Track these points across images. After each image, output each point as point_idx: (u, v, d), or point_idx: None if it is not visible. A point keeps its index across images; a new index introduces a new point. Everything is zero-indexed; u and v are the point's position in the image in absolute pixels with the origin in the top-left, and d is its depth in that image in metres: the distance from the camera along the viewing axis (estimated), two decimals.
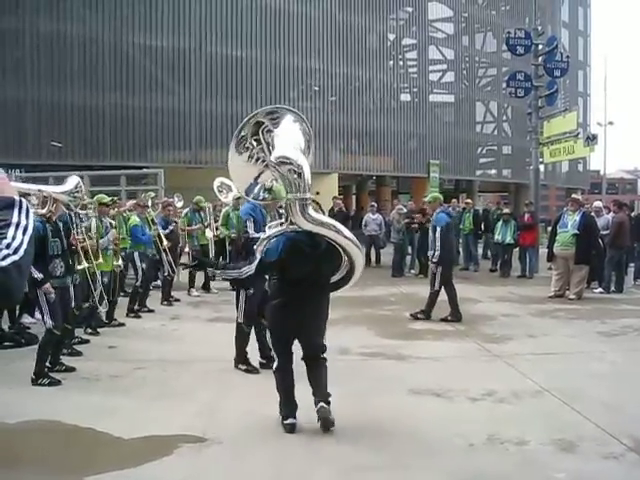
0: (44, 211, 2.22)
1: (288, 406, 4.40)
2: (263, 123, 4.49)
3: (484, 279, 13.24)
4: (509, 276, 13.64)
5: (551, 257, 11.16)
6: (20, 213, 1.55)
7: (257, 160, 4.60)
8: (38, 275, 5.33)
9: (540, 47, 14.98)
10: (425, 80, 31.62)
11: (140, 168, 17.66)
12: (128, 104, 22.23)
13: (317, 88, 27.02)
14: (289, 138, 4.42)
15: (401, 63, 31.15)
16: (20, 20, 20.91)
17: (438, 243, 8.33)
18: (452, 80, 33.29)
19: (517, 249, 13.96)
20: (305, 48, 26.02)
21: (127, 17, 22.34)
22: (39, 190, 2.07)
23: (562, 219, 10.93)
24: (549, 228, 14.19)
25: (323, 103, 27.06)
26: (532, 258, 13.81)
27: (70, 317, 5.99)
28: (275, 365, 4.53)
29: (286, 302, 4.37)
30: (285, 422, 4.34)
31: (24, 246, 1.48)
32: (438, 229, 8.39)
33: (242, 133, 4.53)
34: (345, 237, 4.36)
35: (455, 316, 8.40)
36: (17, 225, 1.52)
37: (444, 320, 8.33)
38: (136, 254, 8.61)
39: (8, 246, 1.45)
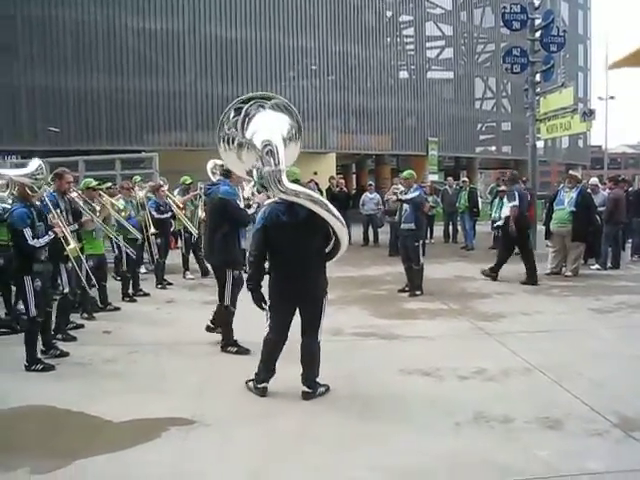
0: (5, 194, 2.27)
1: (265, 372, 4.72)
2: (240, 109, 4.73)
3: (483, 257, 13.20)
4: None
5: (548, 234, 11.14)
6: None
7: (237, 144, 4.80)
8: (38, 241, 5.42)
9: (537, 22, 14.79)
10: (423, 57, 31.34)
11: (137, 152, 17.60)
12: (123, 87, 22.10)
13: (315, 67, 26.81)
14: (262, 120, 4.69)
15: (398, 40, 30.84)
16: (11, 5, 20.71)
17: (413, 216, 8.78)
18: (450, 56, 32.99)
19: None
20: (301, 27, 25.75)
21: (120, 0, 22.11)
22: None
23: (559, 196, 10.89)
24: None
25: (321, 82, 26.86)
26: (529, 235, 13.77)
27: (50, 300, 5.99)
28: (267, 334, 4.72)
29: (278, 274, 4.64)
30: (258, 386, 4.70)
31: None
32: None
33: (224, 126, 4.82)
34: (322, 208, 4.50)
35: (420, 288, 8.83)
36: None
37: (402, 291, 8.95)
38: (120, 238, 8.55)
39: None
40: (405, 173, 9.51)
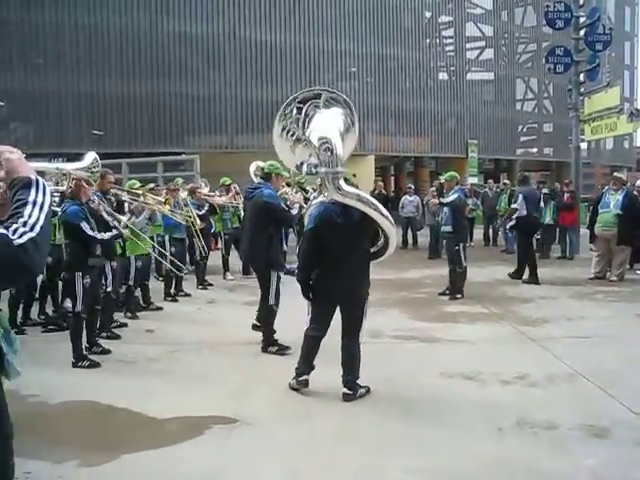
0: (64, 188, 2.35)
1: (305, 366, 4.82)
2: (303, 104, 4.84)
3: None
4: (549, 257, 13.38)
5: (592, 238, 10.90)
6: (37, 192, 1.62)
7: (294, 138, 4.91)
8: (102, 234, 5.66)
9: (581, 20, 14.48)
10: (462, 58, 31.00)
11: (178, 154, 17.91)
12: (164, 91, 22.51)
13: (354, 69, 26.79)
14: (325, 118, 4.77)
15: (438, 41, 30.59)
16: (60, 14, 21.34)
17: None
18: (491, 57, 32.55)
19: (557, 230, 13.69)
20: (340, 30, 25.77)
21: (162, 6, 22.53)
22: (57, 168, 2.14)
23: (604, 199, 10.64)
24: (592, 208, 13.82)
25: (359, 84, 26.84)
26: (572, 239, 13.52)
27: (99, 298, 6.15)
28: (307, 329, 4.86)
29: (324, 271, 4.73)
30: (299, 379, 4.79)
31: (40, 223, 1.55)
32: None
33: (285, 112, 4.91)
34: (372, 208, 4.57)
35: (461, 292, 8.73)
36: (34, 203, 1.59)
37: (443, 294, 8.84)
38: (167, 237, 8.72)
39: (25, 224, 1.52)
40: (446, 175, 9.48)
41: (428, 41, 29.85)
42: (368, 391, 4.74)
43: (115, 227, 6.06)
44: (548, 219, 13.43)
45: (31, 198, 1.60)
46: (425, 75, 29.49)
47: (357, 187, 4.80)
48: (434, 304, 8.42)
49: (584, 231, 14.50)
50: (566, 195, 13.61)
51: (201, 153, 15.01)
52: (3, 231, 1.48)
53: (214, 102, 23.17)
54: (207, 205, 10.01)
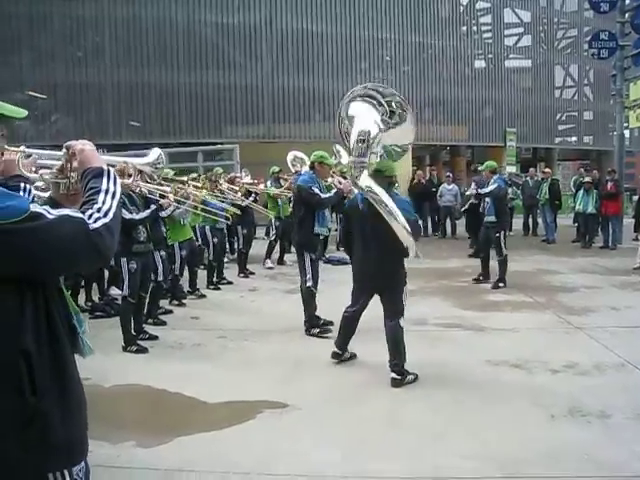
0: (129, 181, 2.40)
1: (340, 340, 5.25)
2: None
3: (565, 250, 12.81)
4: (591, 247, 13.14)
5: (637, 227, 10.66)
6: (109, 181, 1.70)
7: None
8: (139, 214, 5.77)
9: (627, 2, 14.08)
10: (500, 45, 30.43)
11: (215, 144, 18.07)
12: (202, 82, 22.68)
13: (388, 58, 26.58)
14: (368, 114, 4.91)
15: (475, 29, 30.08)
16: (99, 7, 21.65)
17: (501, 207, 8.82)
18: (529, 44, 31.86)
19: (600, 219, 13.41)
20: (376, 18, 25.56)
21: None
22: (124, 162, 2.21)
23: None
24: (634, 197, 13.54)
25: (395, 73, 26.60)
26: (615, 228, 13.24)
27: (147, 286, 6.24)
28: (347, 307, 5.16)
29: (357, 255, 5.05)
30: (334, 350, 5.22)
31: (113, 209, 1.63)
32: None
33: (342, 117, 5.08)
34: (385, 212, 4.61)
35: (504, 281, 8.67)
36: (106, 191, 1.66)
37: (477, 281, 8.99)
38: (207, 228, 8.76)
39: (99, 210, 1.59)
40: (484, 165, 9.40)
41: (465, 28, 29.38)
42: (416, 378, 4.75)
43: (152, 202, 6.10)
44: (590, 208, 13.18)
45: (103, 186, 1.67)
46: (462, 63, 29.05)
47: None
48: (476, 293, 8.36)
49: (627, 221, 14.22)
50: (609, 184, 13.32)
51: (238, 143, 15.13)
52: (80, 215, 1.54)
53: (252, 92, 23.26)
54: (253, 195, 10.07)
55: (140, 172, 3.25)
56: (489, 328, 6.39)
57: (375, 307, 5.02)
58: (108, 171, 1.72)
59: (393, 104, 4.95)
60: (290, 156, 10.61)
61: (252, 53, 23.31)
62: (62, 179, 1.87)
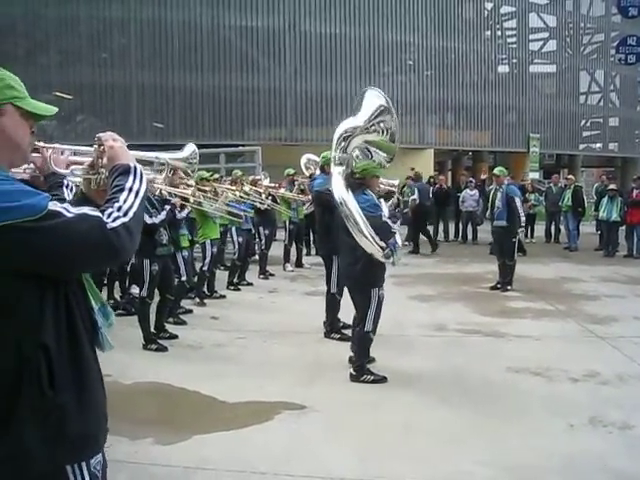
0: (162, 176, 2.30)
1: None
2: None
3: (587, 258, 12.65)
4: (614, 256, 12.95)
5: None
6: (134, 179, 1.68)
7: None
8: (156, 218, 5.80)
9: None
10: (525, 50, 30.16)
11: (237, 146, 18.15)
12: (225, 84, 22.82)
13: (411, 62, 26.50)
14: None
15: (499, 33, 29.86)
16: (125, 9, 21.92)
17: (521, 212, 8.86)
18: (554, 49, 31.53)
19: (624, 227, 13.21)
20: (399, 22, 25.51)
21: (223, 0, 22.85)
22: (156, 157, 2.17)
23: None
24: None
25: (418, 77, 26.52)
26: None
27: (171, 287, 6.30)
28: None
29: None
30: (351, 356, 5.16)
31: (134, 209, 1.60)
32: (517, 199, 8.84)
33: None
34: (360, 233, 4.71)
35: (510, 284, 8.84)
36: (130, 189, 1.64)
37: (495, 288, 8.90)
38: (233, 229, 8.84)
39: (119, 209, 1.57)
40: (497, 170, 9.44)
41: (489, 33, 29.17)
42: (376, 381, 4.82)
43: (167, 202, 6.12)
44: (614, 216, 12.99)
45: (128, 184, 1.65)
46: (486, 68, 28.86)
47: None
48: (496, 299, 8.29)
49: None
50: (635, 192, 13.10)
51: (261, 145, 15.15)
52: (98, 214, 1.53)
53: (274, 95, 23.35)
54: (270, 198, 10.09)
55: (174, 169, 3.22)
56: (510, 335, 6.34)
57: (392, 313, 5.01)
58: (135, 168, 1.71)
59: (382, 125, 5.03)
60: (304, 159, 10.59)
61: (275, 56, 23.40)
62: (93, 175, 1.87)
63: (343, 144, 4.88)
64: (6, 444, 1.47)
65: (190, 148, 2.68)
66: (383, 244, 4.76)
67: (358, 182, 4.91)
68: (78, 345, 1.58)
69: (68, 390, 1.54)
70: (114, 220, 1.53)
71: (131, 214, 1.57)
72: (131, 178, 1.67)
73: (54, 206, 1.46)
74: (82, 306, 1.63)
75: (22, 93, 1.63)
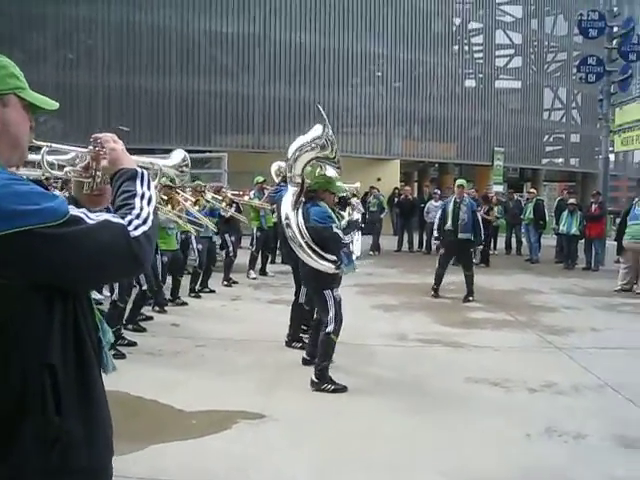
0: (155, 182, 2.08)
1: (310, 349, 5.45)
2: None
3: (547, 270, 12.92)
4: (574, 268, 13.26)
5: (620, 250, 10.78)
6: (142, 184, 1.56)
7: None
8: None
9: (615, 29, 14.33)
10: (491, 66, 30.78)
11: (204, 152, 18.02)
12: (193, 89, 22.66)
13: (380, 74, 26.75)
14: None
15: (466, 48, 30.41)
16: (93, 9, 21.63)
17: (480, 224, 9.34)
18: (519, 65, 32.25)
19: (583, 240, 13.55)
20: (369, 33, 25.75)
21: (193, 4, 22.72)
22: (150, 163, 1.95)
23: (632, 211, 10.52)
24: (617, 220, 13.72)
25: (386, 89, 26.77)
26: (598, 250, 13.38)
27: (128, 293, 6.19)
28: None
29: None
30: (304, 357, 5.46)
31: (151, 216, 1.49)
32: (478, 213, 9.44)
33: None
34: (304, 253, 4.94)
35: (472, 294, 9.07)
36: (142, 196, 1.52)
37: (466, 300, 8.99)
38: (192, 237, 8.73)
39: (138, 216, 1.45)
40: (459, 182, 9.67)
41: (457, 47, 29.69)
42: (337, 390, 4.81)
43: None
44: (574, 230, 13.31)
45: (138, 190, 1.54)
46: (453, 81, 29.32)
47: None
48: (458, 310, 8.39)
49: (610, 243, 14.37)
50: (594, 206, 13.46)
51: (227, 151, 15.08)
52: (120, 221, 1.40)
53: (242, 101, 23.28)
54: (234, 206, 10.03)
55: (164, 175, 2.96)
56: (469, 345, 6.41)
57: (355, 322, 5.01)
58: (142, 174, 1.59)
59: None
60: (274, 167, 10.52)
61: (245, 62, 23.36)
62: (87, 178, 1.72)
63: (294, 164, 4.99)
64: (3, 477, 1.32)
65: (180, 154, 2.41)
66: (333, 257, 4.89)
67: (311, 195, 5.08)
68: (85, 365, 1.43)
69: (76, 416, 1.38)
70: (136, 228, 1.41)
71: (150, 222, 1.46)
72: (139, 183, 1.56)
73: (74, 210, 1.34)
74: (89, 322, 1.48)
75: (24, 83, 1.50)
